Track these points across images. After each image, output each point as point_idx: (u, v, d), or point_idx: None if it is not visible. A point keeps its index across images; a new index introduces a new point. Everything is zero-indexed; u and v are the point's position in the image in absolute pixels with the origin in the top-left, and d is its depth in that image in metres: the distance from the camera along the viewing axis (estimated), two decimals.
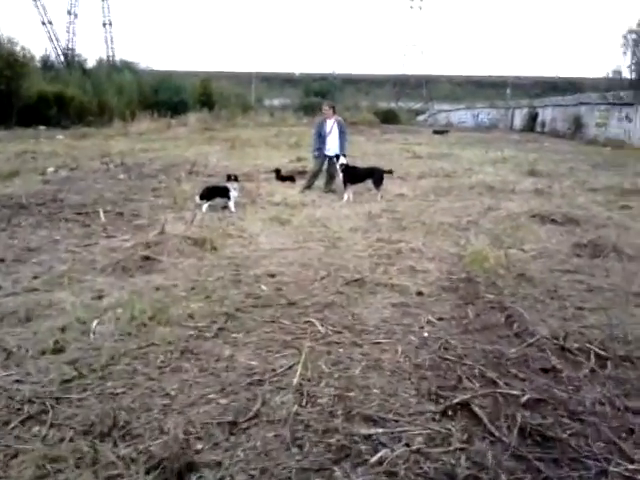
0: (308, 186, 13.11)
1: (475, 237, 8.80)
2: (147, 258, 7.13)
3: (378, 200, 11.86)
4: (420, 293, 6.20)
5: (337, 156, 12.57)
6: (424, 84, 70.23)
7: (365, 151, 22.37)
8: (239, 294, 6.06)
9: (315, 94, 57.51)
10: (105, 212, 9.97)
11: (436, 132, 39.05)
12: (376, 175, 12.12)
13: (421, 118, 57.20)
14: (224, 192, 10.43)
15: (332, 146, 12.93)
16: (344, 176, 12.18)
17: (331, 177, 13.12)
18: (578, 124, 35.08)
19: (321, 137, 12.98)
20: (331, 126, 12.94)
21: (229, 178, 10.51)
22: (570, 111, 36.56)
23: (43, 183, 12.90)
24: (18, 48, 33.26)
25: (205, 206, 10.52)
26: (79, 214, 9.83)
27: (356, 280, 6.50)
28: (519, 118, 47.13)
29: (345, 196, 12.04)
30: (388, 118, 49.66)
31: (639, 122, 28.39)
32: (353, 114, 45.55)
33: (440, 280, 6.71)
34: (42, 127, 31.88)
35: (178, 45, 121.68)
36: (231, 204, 10.40)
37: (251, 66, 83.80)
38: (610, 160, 21.84)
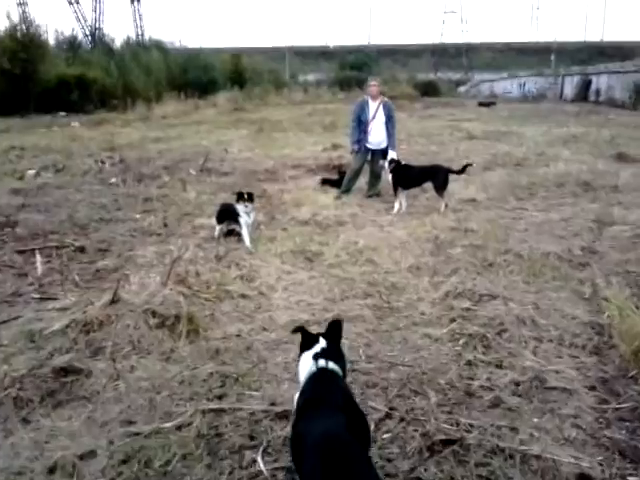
0: (346, 190, 9.74)
1: (605, 282, 5.48)
2: (66, 372, 3.94)
3: (441, 211, 8.47)
4: None
5: (384, 151, 9.20)
6: (464, 53, 65.48)
7: (409, 131, 18.92)
8: None
9: (351, 67, 53.71)
10: (60, 248, 6.83)
11: (482, 104, 35.11)
12: (439, 176, 8.64)
13: (462, 89, 52.83)
14: (234, 215, 7.17)
15: (377, 137, 9.52)
16: (394, 178, 8.80)
17: (376, 177, 9.75)
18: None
19: (362, 124, 9.55)
20: (375, 110, 9.49)
21: (240, 197, 7.14)
22: (631, 78, 32.08)
23: (10, 194, 9.81)
24: (34, 29, 30.25)
25: (217, 230, 7.37)
26: (22, 252, 6.69)
27: (447, 442, 3.18)
28: (570, 87, 42.50)
29: (396, 205, 8.67)
30: (428, 90, 45.71)
31: None
32: (391, 87, 41.66)
33: (605, 422, 3.40)
34: (62, 113, 29.01)
35: (209, 21, 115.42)
36: (244, 234, 7.09)
37: (284, 40, 79.34)
38: None
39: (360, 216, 8.32)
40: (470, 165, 8.97)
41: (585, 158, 12.97)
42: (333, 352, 2.88)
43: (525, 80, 47.94)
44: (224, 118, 26.16)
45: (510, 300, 5.22)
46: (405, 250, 6.74)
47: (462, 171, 8.76)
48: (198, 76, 38.94)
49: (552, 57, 59.52)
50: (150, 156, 13.78)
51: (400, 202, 8.69)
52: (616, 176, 10.68)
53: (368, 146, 9.56)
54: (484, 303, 5.22)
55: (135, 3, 50.19)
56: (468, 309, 5.10)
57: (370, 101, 9.53)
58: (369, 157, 9.69)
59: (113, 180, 10.87)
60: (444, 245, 6.85)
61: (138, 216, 8.41)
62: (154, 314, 4.61)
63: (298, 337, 3.04)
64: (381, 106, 9.49)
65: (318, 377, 2.70)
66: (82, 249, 6.81)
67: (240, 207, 6.98)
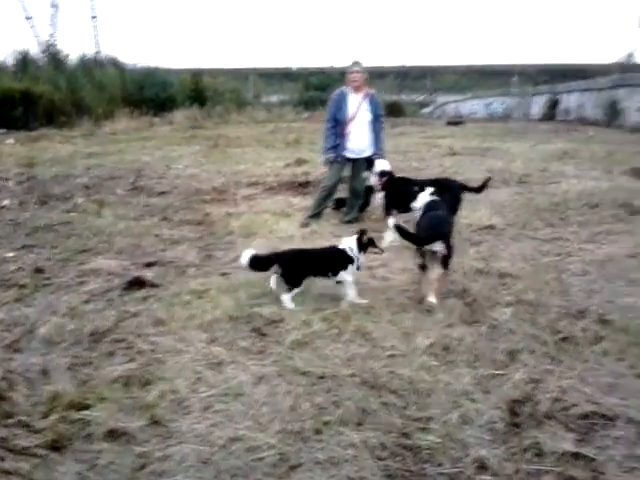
0: (316, 213, 6.93)
1: None
2: None
3: None
4: None
5: (369, 160, 6.54)
6: (427, 75, 63.99)
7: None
8: None
9: (315, 88, 51.45)
10: None
11: (451, 123, 32.91)
12: (450, 195, 5.93)
13: (427, 110, 50.83)
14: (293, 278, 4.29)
15: (359, 142, 6.80)
16: (387, 196, 6.11)
17: (356, 197, 7.00)
18: (614, 110, 28.69)
19: (339, 125, 6.84)
20: (358, 106, 6.78)
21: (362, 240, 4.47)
22: (604, 96, 30.19)
23: None
24: None
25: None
26: None
27: None
28: (537, 106, 40.65)
29: (388, 236, 5.92)
30: (393, 111, 43.12)
31: None
32: None
33: None
34: (1, 130, 25.75)
35: (170, 42, 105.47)
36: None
37: (248, 62, 76.59)
38: None
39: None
40: (490, 180, 6.34)
41: (596, 174, 10.52)
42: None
43: (492, 100, 46.13)
44: (178, 134, 23.26)
45: None
46: (419, 313, 4.02)
47: (482, 188, 6.14)
48: (155, 93, 35.92)
49: (515, 78, 58.41)
50: (72, 173, 10.80)
51: (394, 231, 5.99)
52: None
53: (347, 155, 6.83)
54: (599, 437, 2.57)
55: (93, 20, 46.70)
56: (577, 456, 2.43)
57: (350, 94, 6.80)
58: (348, 169, 6.97)
59: (5, 202, 7.90)
60: (480, 303, 4.14)
61: (11, 254, 5.50)
62: None
63: None
64: (366, 101, 6.79)
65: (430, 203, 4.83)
66: None
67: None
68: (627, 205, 7.49)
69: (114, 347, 3.41)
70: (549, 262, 5.18)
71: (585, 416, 2.75)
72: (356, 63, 6.82)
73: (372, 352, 3.46)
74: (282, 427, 2.68)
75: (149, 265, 5.08)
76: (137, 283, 4.44)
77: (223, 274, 4.88)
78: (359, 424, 2.73)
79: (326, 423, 2.73)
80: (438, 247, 4.18)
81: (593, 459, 2.44)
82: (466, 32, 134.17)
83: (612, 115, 28.83)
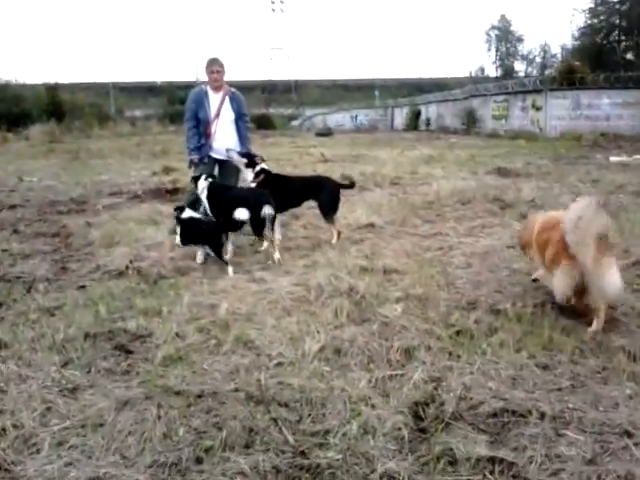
0: None
1: None
2: None
3: (334, 242, 5.54)
4: None
5: (249, 155, 6.12)
6: (293, 89, 64.76)
7: None
8: None
9: (180, 102, 50.24)
10: None
11: (320, 134, 33.43)
12: (326, 192, 5.72)
13: (295, 123, 51.21)
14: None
15: (225, 142, 6.25)
16: None
17: None
18: (472, 118, 30.38)
19: (201, 124, 6.30)
20: (219, 104, 6.28)
21: None
22: (460, 105, 31.89)
23: None
24: None
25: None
26: None
27: None
28: (400, 117, 42.29)
29: (266, 243, 5.54)
30: (262, 123, 43.09)
31: (550, 110, 23.81)
32: None
33: None
34: None
35: (24, 56, 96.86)
36: None
37: (108, 76, 73.25)
38: (553, 152, 16.60)
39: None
40: (353, 183, 6.30)
41: (464, 175, 10.85)
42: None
43: (357, 113, 47.38)
44: (35, 149, 21.56)
45: (562, 422, 2.36)
46: (304, 316, 3.66)
47: (353, 184, 6.03)
48: (8, 108, 33.44)
49: (376, 92, 60.57)
50: None
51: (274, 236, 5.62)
52: (518, 190, 8.49)
53: (213, 155, 6.32)
54: (513, 436, 2.35)
55: None
56: (494, 461, 2.17)
57: (211, 92, 6.28)
58: (216, 170, 6.50)
59: None
60: (368, 301, 3.85)
61: None
62: None
63: None
64: (227, 99, 6.33)
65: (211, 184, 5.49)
66: None
67: None
68: (498, 200, 7.70)
69: None
70: (432, 256, 5.05)
71: (494, 414, 2.51)
72: (215, 60, 6.25)
73: (257, 362, 3.05)
74: (154, 459, 2.21)
75: None
76: None
77: (80, 287, 4.26)
78: (247, 446, 2.32)
79: (207, 449, 2.29)
80: (268, 210, 4.88)
81: (512, 463, 2.18)
82: (324, 48, 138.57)
83: (470, 123, 30.50)
